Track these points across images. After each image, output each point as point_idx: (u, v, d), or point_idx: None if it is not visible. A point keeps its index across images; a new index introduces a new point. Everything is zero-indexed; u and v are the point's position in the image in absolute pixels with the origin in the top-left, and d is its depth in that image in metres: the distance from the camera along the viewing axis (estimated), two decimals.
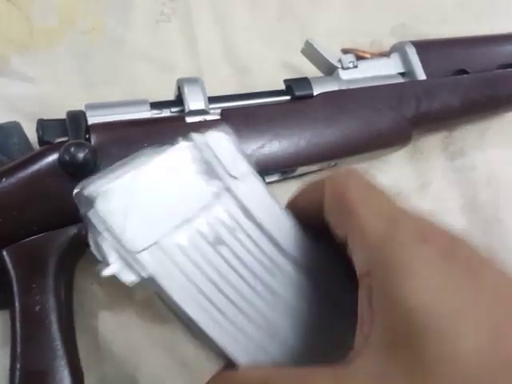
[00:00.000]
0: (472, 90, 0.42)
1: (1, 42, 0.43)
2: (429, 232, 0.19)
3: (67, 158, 0.32)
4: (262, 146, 0.37)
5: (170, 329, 0.39)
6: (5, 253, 0.33)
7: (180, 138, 0.23)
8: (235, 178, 0.23)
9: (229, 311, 0.22)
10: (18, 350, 0.32)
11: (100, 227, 0.21)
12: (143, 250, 0.21)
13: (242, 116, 0.37)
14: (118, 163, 0.23)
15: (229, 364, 0.23)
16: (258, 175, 0.23)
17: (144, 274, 0.21)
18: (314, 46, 0.41)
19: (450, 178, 0.47)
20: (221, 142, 0.23)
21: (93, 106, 0.36)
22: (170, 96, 0.39)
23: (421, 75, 0.42)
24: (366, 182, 0.22)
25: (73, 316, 0.35)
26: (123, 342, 0.38)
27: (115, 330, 0.38)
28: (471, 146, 0.48)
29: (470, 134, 0.48)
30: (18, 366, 0.32)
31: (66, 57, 0.44)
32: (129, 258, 0.21)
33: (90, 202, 0.21)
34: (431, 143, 0.47)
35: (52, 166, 0.33)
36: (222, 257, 0.22)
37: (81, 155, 0.32)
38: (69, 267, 0.35)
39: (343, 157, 0.40)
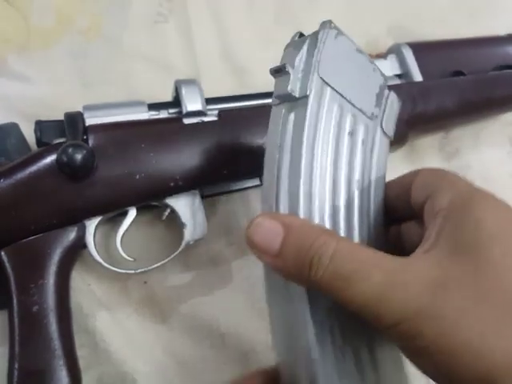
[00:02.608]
0: (468, 92, 0.43)
1: None
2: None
3: (65, 159, 0.32)
4: (259, 148, 0.37)
5: (167, 328, 0.39)
6: (3, 253, 0.33)
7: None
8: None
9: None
10: (16, 349, 0.32)
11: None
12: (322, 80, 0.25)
13: (240, 117, 0.37)
14: None
15: None
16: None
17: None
18: None
19: None
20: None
21: (90, 107, 0.36)
22: (167, 96, 0.39)
23: (417, 77, 0.42)
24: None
25: (71, 316, 0.35)
26: (121, 341, 0.38)
27: (113, 330, 0.38)
28: (467, 146, 0.48)
29: (465, 135, 0.48)
30: (16, 365, 0.32)
31: (63, 57, 0.44)
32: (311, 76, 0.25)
33: None
34: (428, 143, 0.48)
35: (50, 166, 0.33)
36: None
37: (78, 156, 0.32)
38: (67, 267, 0.35)
39: None
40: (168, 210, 0.37)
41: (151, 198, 0.36)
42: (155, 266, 0.36)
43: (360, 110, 0.28)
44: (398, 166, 0.47)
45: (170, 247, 0.40)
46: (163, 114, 0.37)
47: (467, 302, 0.21)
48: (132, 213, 0.36)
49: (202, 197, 0.38)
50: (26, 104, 0.42)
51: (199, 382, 0.39)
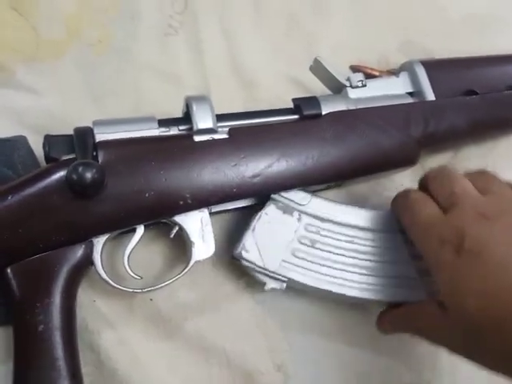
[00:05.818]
0: (480, 112, 0.42)
1: (7, 53, 0.42)
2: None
3: (75, 177, 0.31)
4: (270, 166, 0.37)
5: (172, 346, 0.39)
6: (9, 271, 0.33)
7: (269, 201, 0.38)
8: (304, 205, 0.38)
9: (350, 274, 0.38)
10: (21, 369, 0.32)
11: (251, 266, 0.37)
12: (278, 267, 0.37)
13: (250, 135, 0.37)
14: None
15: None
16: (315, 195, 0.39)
17: (285, 279, 0.37)
18: (323, 63, 0.41)
19: None
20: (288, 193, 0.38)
21: (100, 123, 0.35)
22: (176, 108, 0.39)
23: (430, 95, 0.41)
24: None
25: (76, 334, 0.34)
26: (126, 359, 0.38)
27: (118, 347, 0.38)
28: (475, 166, 0.48)
29: (473, 155, 0.48)
30: None
31: (72, 69, 0.43)
32: (274, 275, 0.37)
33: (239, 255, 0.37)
34: (437, 162, 0.47)
35: (59, 183, 0.33)
36: (322, 247, 0.38)
37: (89, 175, 0.31)
38: (73, 286, 0.34)
39: (350, 178, 0.39)
40: (176, 228, 0.36)
41: (160, 215, 0.35)
42: (163, 285, 0.36)
43: None
44: (407, 185, 0.46)
45: (177, 264, 0.40)
46: (173, 131, 0.36)
47: None
48: (140, 230, 0.36)
49: (210, 213, 0.38)
50: (35, 116, 0.41)
51: None
